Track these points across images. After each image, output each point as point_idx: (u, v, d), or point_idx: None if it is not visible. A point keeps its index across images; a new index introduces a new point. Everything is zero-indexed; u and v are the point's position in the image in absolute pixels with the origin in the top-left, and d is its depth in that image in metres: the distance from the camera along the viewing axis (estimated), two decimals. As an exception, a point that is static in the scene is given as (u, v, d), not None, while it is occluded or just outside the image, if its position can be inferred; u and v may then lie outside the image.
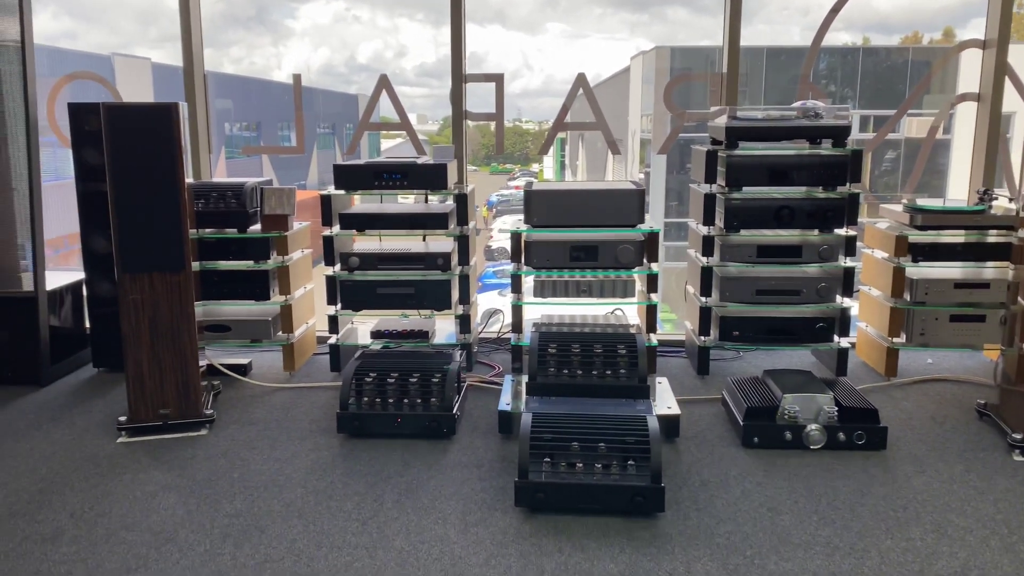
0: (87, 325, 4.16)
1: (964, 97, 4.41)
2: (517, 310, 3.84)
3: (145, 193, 3.13)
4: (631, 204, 3.72)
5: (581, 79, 4.41)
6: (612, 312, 4.07)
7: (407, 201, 4.55)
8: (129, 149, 3.11)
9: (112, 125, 3.10)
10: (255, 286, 3.90)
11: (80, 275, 4.08)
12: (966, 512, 2.62)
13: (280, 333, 3.99)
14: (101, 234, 3.87)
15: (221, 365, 3.96)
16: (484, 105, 4.47)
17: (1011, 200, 3.80)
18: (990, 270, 3.83)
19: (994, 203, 3.82)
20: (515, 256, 3.83)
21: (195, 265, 3.30)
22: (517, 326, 3.85)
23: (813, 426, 3.06)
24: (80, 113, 3.81)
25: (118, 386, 3.84)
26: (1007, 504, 2.67)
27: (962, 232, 3.81)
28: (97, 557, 2.38)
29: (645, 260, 3.75)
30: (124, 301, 3.20)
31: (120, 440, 3.24)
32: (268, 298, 3.92)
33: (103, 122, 3.09)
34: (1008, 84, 4.19)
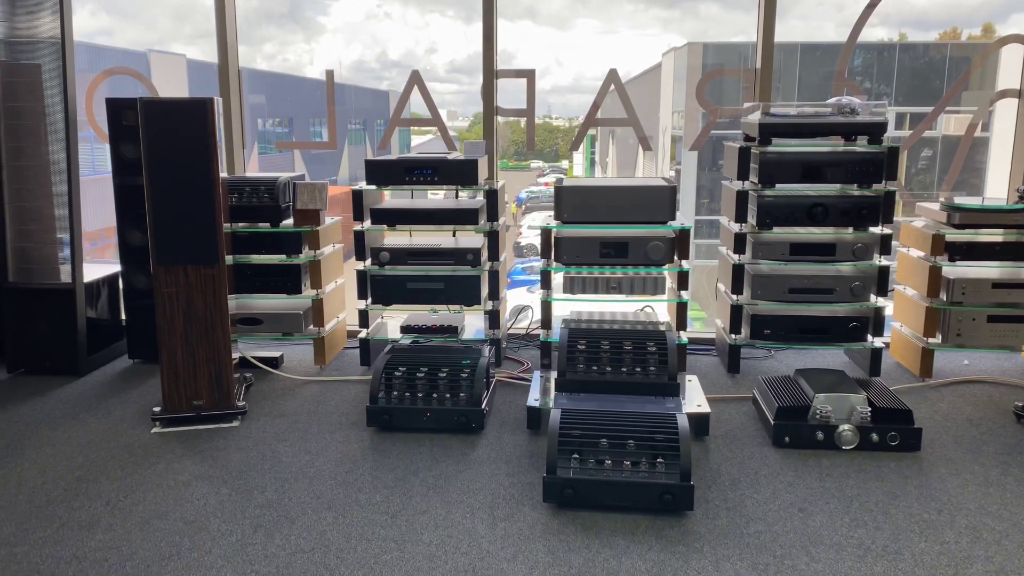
0: (123, 317, 4.23)
1: (1004, 94, 4.32)
2: (546, 306, 3.83)
3: (180, 187, 3.18)
4: (662, 200, 3.69)
5: (613, 75, 4.39)
6: (642, 309, 4.05)
7: (437, 196, 4.55)
8: (165, 143, 3.15)
9: (149, 120, 3.14)
10: (287, 280, 3.94)
11: (116, 268, 4.15)
12: (1002, 516, 2.57)
13: (311, 327, 4.03)
14: (137, 227, 3.94)
15: (253, 358, 4.00)
16: (514, 101, 4.47)
17: (1053, 199, 3.72)
18: (1030, 270, 3.75)
19: (1035, 202, 3.73)
20: (545, 252, 3.82)
21: (228, 259, 3.33)
22: (546, 322, 3.85)
23: (846, 426, 3.02)
24: (118, 108, 3.87)
25: (153, 377, 3.90)
26: (1045, 509, 2.61)
27: (1001, 231, 3.74)
28: (131, 545, 2.43)
29: (676, 257, 3.73)
30: (159, 294, 3.25)
31: (154, 430, 3.29)
32: (300, 292, 3.96)
33: (140, 117, 3.14)
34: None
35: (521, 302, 4.73)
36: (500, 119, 4.54)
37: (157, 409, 3.34)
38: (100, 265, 4.36)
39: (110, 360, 4.22)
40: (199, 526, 2.54)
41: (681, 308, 3.76)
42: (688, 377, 3.54)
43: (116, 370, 4.10)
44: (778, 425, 3.09)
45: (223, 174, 3.31)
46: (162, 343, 3.28)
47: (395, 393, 3.27)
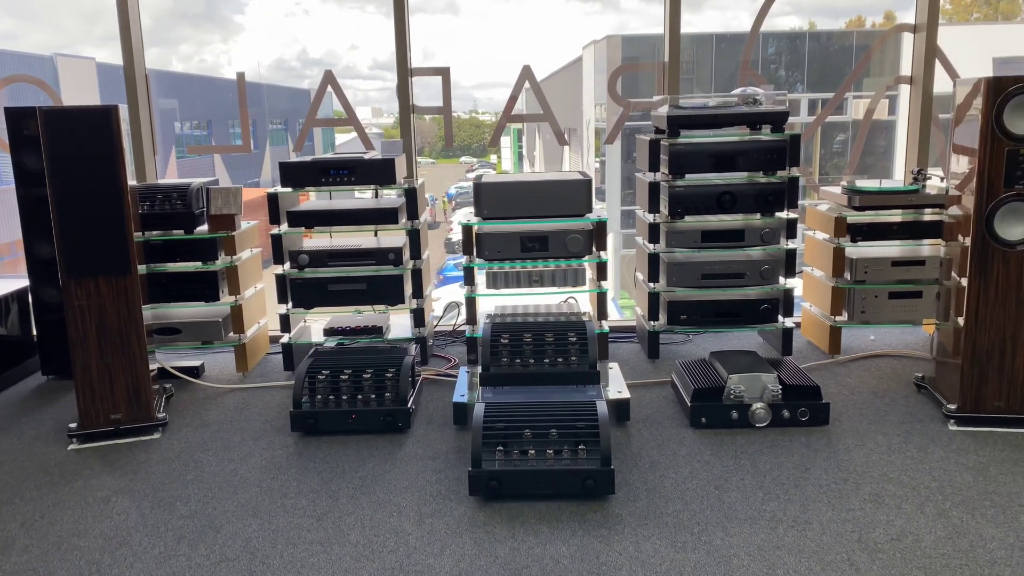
0: (34, 333, 4.09)
1: (899, 80, 4.53)
2: (471, 302, 3.87)
3: (87, 197, 3.10)
4: (579, 194, 3.77)
5: (526, 72, 4.44)
6: (565, 301, 4.12)
7: (365, 196, 4.53)
8: (68, 153, 3.07)
9: (50, 129, 3.06)
10: (204, 287, 3.88)
11: (25, 282, 4.01)
12: (903, 481, 2.73)
13: (231, 334, 3.97)
14: (45, 240, 3.81)
15: (172, 368, 3.93)
16: (439, 98, 4.47)
17: (942, 179, 3.93)
18: (925, 248, 3.96)
19: (928, 182, 3.94)
20: (467, 249, 3.86)
21: (142, 268, 3.27)
22: (472, 318, 3.89)
23: (758, 405, 3.15)
24: (17, 117, 3.74)
25: (68, 393, 3.79)
26: (941, 472, 2.78)
27: (898, 212, 3.93)
28: (48, 565, 2.37)
29: (594, 249, 3.81)
30: (70, 307, 3.16)
31: (71, 447, 3.21)
32: (218, 299, 3.89)
33: (40, 126, 3.05)
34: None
35: (455, 298, 4.75)
36: (426, 117, 4.55)
37: (73, 425, 3.26)
38: (7, 280, 4.20)
39: (22, 378, 4.08)
40: (120, 541, 2.49)
41: (601, 298, 3.84)
42: (610, 364, 3.63)
43: (28, 388, 3.97)
44: (694, 407, 3.20)
45: (132, 182, 3.24)
46: (76, 357, 3.20)
47: (319, 396, 3.27)
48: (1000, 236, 3.00)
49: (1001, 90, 2.90)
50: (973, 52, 4.60)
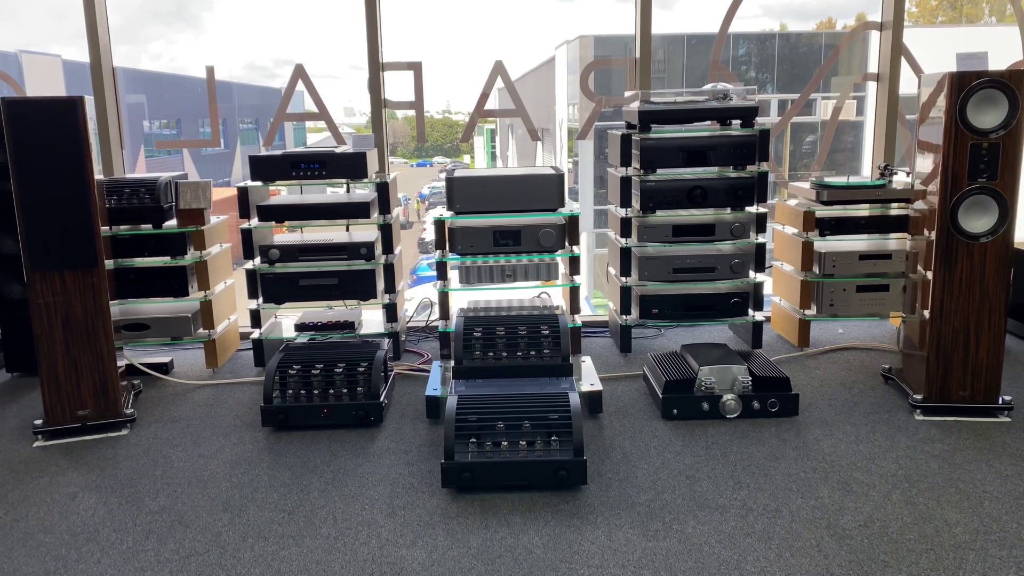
0: (-2, 330, 4.01)
1: (867, 76, 4.60)
2: (444, 297, 3.86)
3: (52, 189, 3.05)
4: (551, 188, 3.78)
5: (499, 67, 4.44)
6: (538, 295, 4.13)
7: (338, 191, 4.49)
8: (33, 145, 3.02)
9: (13, 120, 3.00)
10: (173, 282, 3.83)
11: (-12, 278, 3.93)
12: (871, 469, 2.77)
13: (201, 330, 3.93)
14: (8, 234, 3.74)
15: (141, 364, 3.88)
16: (411, 95, 4.45)
17: (908, 175, 3.99)
18: (892, 241, 4.02)
19: (894, 178, 4.00)
20: (440, 243, 3.85)
21: (109, 263, 3.22)
22: (445, 313, 3.88)
23: (729, 396, 3.18)
24: (-20, 110, 3.66)
25: (33, 390, 3.73)
26: (908, 460, 2.82)
27: (865, 206, 3.99)
28: (13, 561, 2.33)
29: (567, 243, 3.82)
30: (34, 301, 3.11)
31: (37, 444, 3.15)
32: (187, 294, 3.85)
33: (3, 118, 3.00)
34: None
35: (427, 297, 4.74)
36: (397, 113, 4.53)
37: (39, 422, 3.20)
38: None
39: (-14, 376, 4.01)
40: (87, 537, 2.46)
41: (573, 292, 3.85)
42: (583, 358, 3.65)
43: (-7, 385, 3.90)
44: (666, 398, 3.22)
45: (99, 176, 3.19)
46: (41, 353, 3.14)
47: (290, 391, 3.24)
48: (964, 229, 3.05)
49: (964, 85, 2.95)
50: (938, 54, 4.68)
